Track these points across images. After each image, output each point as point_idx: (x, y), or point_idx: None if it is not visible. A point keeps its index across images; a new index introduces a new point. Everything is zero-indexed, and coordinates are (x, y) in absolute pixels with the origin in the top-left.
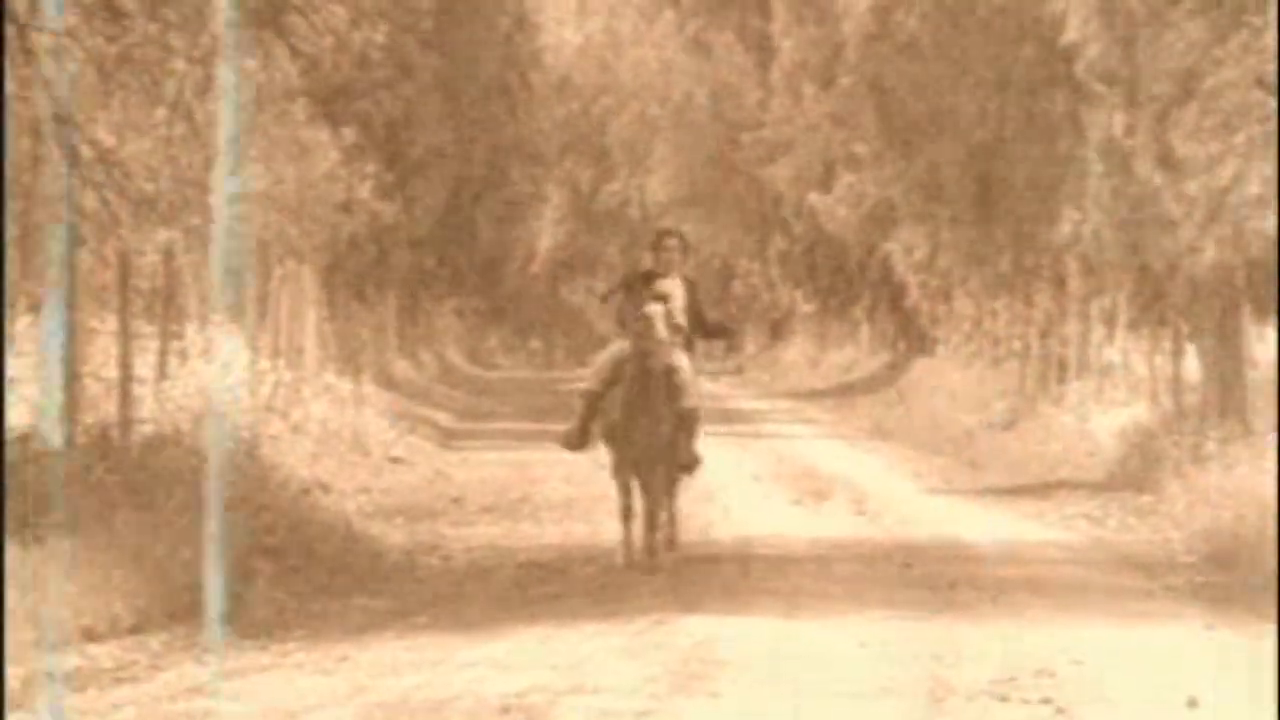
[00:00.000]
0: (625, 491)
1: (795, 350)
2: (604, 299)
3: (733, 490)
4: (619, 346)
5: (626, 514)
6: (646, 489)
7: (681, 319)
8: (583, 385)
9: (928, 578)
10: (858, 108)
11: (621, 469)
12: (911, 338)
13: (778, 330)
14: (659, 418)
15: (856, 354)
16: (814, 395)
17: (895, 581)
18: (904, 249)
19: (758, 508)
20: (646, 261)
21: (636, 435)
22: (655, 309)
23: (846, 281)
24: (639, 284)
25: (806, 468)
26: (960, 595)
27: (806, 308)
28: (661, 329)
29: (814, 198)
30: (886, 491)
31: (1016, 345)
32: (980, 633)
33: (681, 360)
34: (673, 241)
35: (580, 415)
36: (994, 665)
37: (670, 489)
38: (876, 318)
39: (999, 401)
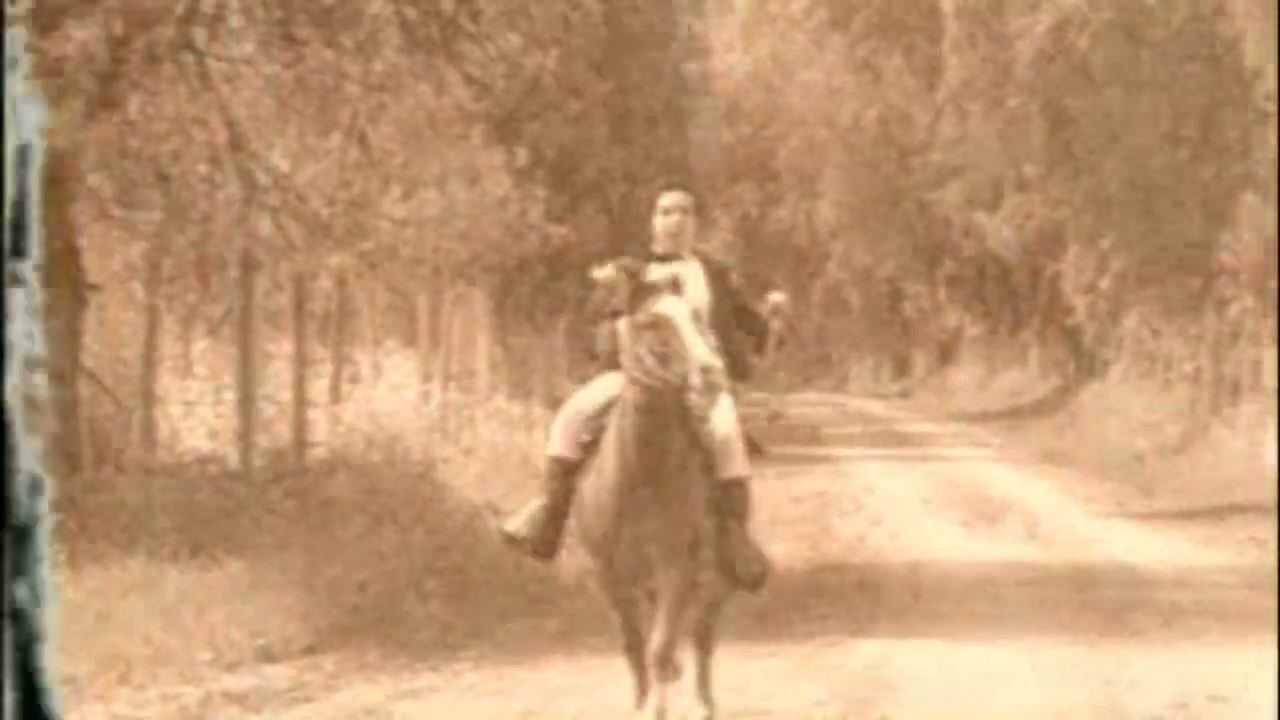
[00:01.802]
0: (630, 612)
1: (964, 373)
2: (590, 316)
3: (902, 513)
4: (604, 385)
5: (635, 644)
6: (665, 607)
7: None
8: (551, 449)
9: (1099, 602)
10: (1027, 129)
11: (617, 582)
12: (1081, 360)
13: (946, 353)
14: (681, 499)
15: (1025, 377)
16: (983, 418)
17: (1066, 605)
18: (1072, 270)
19: (927, 531)
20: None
21: (642, 529)
22: (674, 307)
23: (1015, 304)
24: (635, 276)
25: (976, 491)
26: (1132, 619)
27: (974, 330)
28: (692, 341)
29: (982, 219)
30: (1057, 515)
31: (1187, 368)
32: (1152, 657)
33: (717, 400)
34: (678, 202)
35: (546, 503)
36: (1167, 690)
37: (708, 615)
38: (1046, 340)
39: (1170, 425)
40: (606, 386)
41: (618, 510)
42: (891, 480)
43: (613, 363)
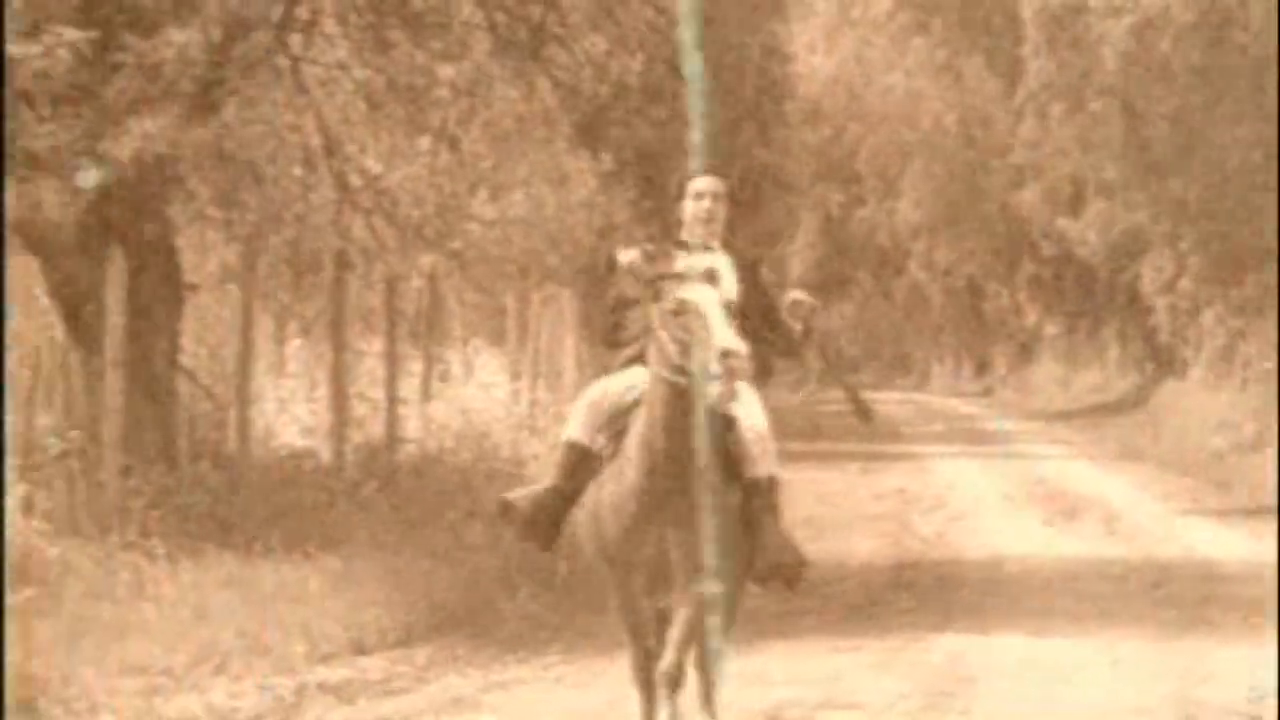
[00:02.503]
0: (642, 629)
1: (1044, 372)
2: (612, 302)
3: (982, 510)
4: (628, 379)
5: (647, 667)
6: (682, 621)
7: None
8: (569, 433)
9: (1176, 597)
10: (1107, 131)
11: (633, 594)
12: (1159, 359)
13: (1026, 352)
14: (691, 504)
15: (1104, 375)
16: (1063, 416)
17: (1145, 600)
18: (1151, 271)
19: (1008, 527)
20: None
21: (666, 536)
22: (703, 294)
23: (1094, 303)
24: (658, 264)
25: (1056, 488)
26: (1210, 614)
27: (1054, 329)
28: (716, 326)
29: (1063, 223)
30: (1135, 511)
31: (1266, 366)
32: (1228, 652)
33: (744, 396)
34: (711, 187)
35: (554, 485)
36: (1242, 684)
37: (724, 619)
38: (1125, 339)
39: (1247, 423)
40: (631, 381)
41: (641, 514)
42: (972, 477)
43: (640, 355)
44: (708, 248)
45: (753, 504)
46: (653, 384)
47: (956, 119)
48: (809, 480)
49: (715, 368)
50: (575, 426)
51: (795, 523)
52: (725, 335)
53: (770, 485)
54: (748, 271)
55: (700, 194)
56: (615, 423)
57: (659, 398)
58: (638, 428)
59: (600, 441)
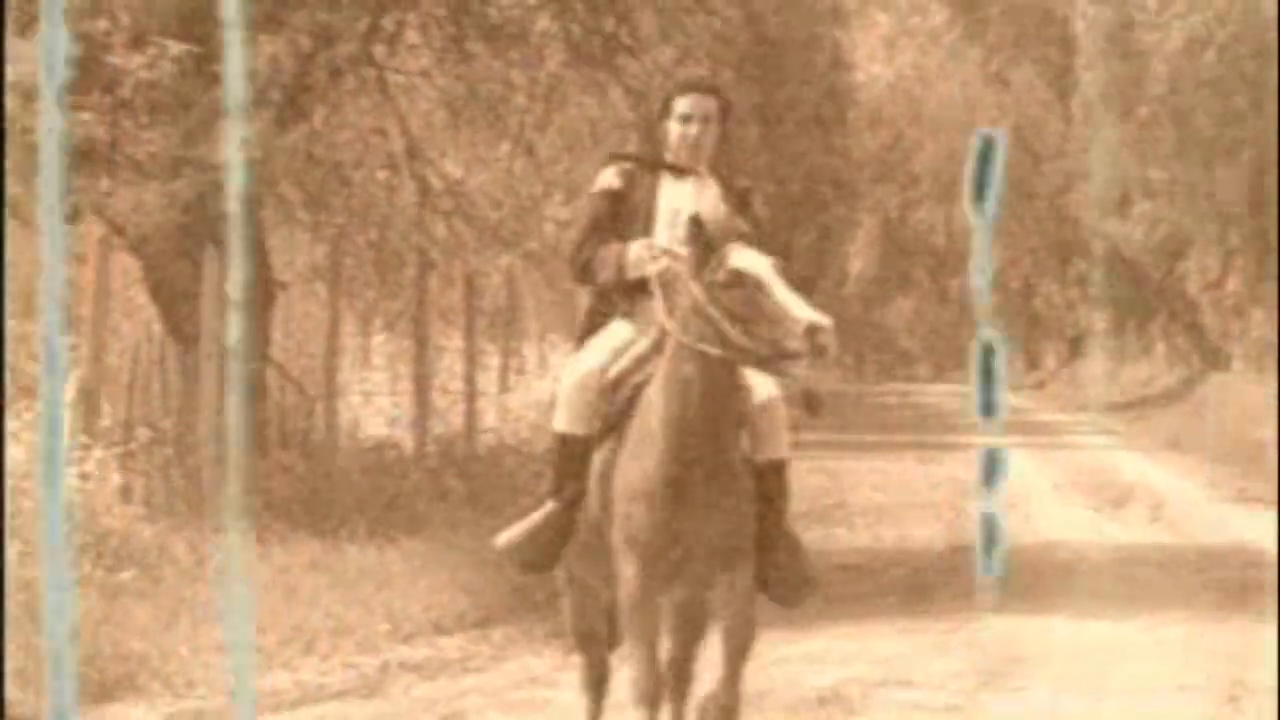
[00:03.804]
0: (649, 640)
1: (1093, 366)
2: (586, 230)
3: (1034, 498)
4: (613, 342)
5: (654, 688)
6: (683, 628)
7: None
8: (560, 425)
9: (1220, 582)
10: (1157, 137)
11: (649, 592)
12: (1205, 353)
13: (1076, 347)
14: (734, 488)
15: (1151, 369)
16: (1111, 408)
17: (1189, 585)
18: (1197, 270)
19: (1057, 514)
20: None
21: (696, 526)
22: (757, 261)
23: (1142, 300)
24: (639, 184)
25: (1105, 477)
26: (1252, 599)
27: (1102, 325)
28: (786, 298)
29: (1111, 224)
30: (1181, 499)
31: None
32: (1271, 635)
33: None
34: (701, 108)
35: (549, 513)
36: None
37: (740, 636)
38: (1171, 335)
39: None
40: (617, 344)
41: (671, 502)
42: (1024, 466)
43: (609, 305)
44: (694, 173)
45: (762, 493)
46: (685, 364)
47: (1010, 124)
48: (868, 469)
49: (797, 344)
50: (568, 416)
51: (855, 510)
52: (804, 308)
53: (781, 469)
54: (739, 203)
55: (686, 117)
56: (610, 399)
57: (697, 374)
58: (658, 406)
59: (602, 415)
